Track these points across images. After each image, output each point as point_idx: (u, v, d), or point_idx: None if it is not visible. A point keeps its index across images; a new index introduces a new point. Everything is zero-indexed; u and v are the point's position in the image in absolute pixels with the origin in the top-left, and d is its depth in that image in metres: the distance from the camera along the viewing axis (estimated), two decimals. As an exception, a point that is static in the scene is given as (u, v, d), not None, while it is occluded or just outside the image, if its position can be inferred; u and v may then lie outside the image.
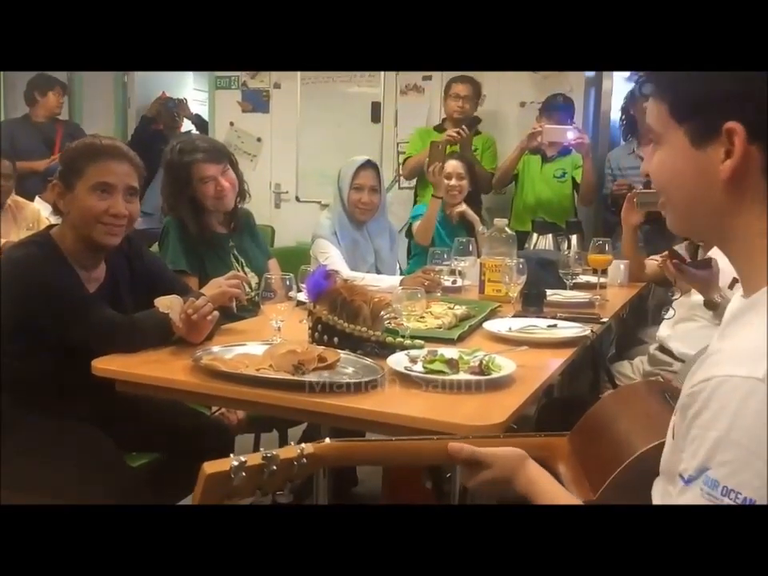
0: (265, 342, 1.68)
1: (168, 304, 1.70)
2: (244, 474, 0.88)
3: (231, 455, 0.89)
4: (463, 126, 3.85)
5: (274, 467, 0.91)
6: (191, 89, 6.54)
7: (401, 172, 4.58)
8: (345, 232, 2.86)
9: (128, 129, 5.72)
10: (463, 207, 3.37)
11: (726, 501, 0.68)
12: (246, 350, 1.65)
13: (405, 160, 4.22)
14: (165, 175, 2.45)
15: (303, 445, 0.96)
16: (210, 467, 0.87)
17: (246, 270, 2.46)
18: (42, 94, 4.52)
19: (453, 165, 3.36)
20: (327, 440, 0.99)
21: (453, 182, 3.33)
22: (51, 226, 1.85)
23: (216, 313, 1.71)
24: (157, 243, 2.45)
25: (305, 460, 0.94)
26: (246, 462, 0.89)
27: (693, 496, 0.71)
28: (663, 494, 0.83)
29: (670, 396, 1.03)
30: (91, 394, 1.69)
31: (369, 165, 2.88)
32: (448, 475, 2.22)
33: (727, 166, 0.76)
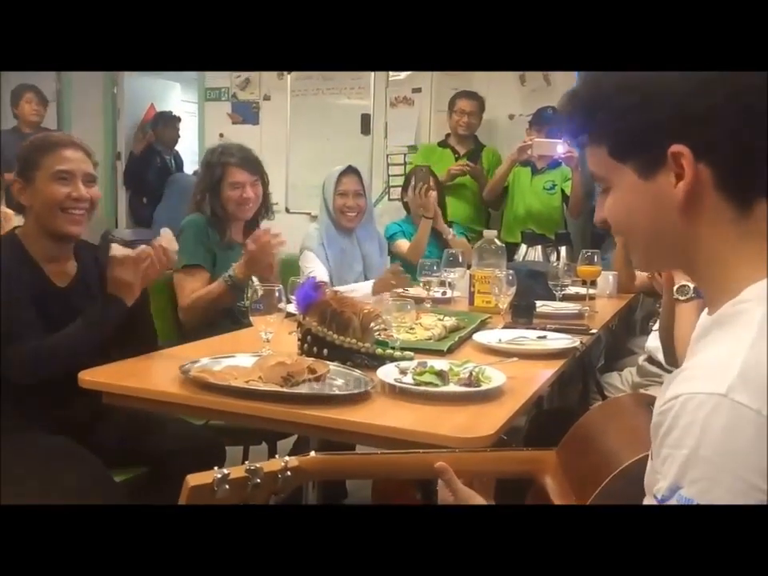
0: (254, 354, 1.67)
1: (118, 250, 1.76)
2: (227, 486, 0.88)
3: (215, 468, 0.89)
4: (468, 162, 3.90)
5: (258, 480, 0.90)
6: (180, 100, 6.56)
7: (391, 184, 4.60)
8: (332, 240, 2.87)
9: (117, 140, 5.72)
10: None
11: None
12: (235, 361, 1.64)
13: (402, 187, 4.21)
14: (200, 174, 2.59)
15: (287, 458, 0.95)
16: (194, 479, 0.87)
17: (254, 279, 2.48)
18: (15, 104, 4.51)
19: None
20: (312, 453, 0.98)
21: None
22: (17, 227, 1.87)
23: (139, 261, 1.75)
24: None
25: (289, 473, 0.93)
26: (229, 474, 0.88)
27: None
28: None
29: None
30: (75, 406, 1.67)
31: (350, 170, 2.92)
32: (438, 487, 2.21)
33: (680, 189, 0.76)
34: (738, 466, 0.67)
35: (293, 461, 0.95)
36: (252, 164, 2.52)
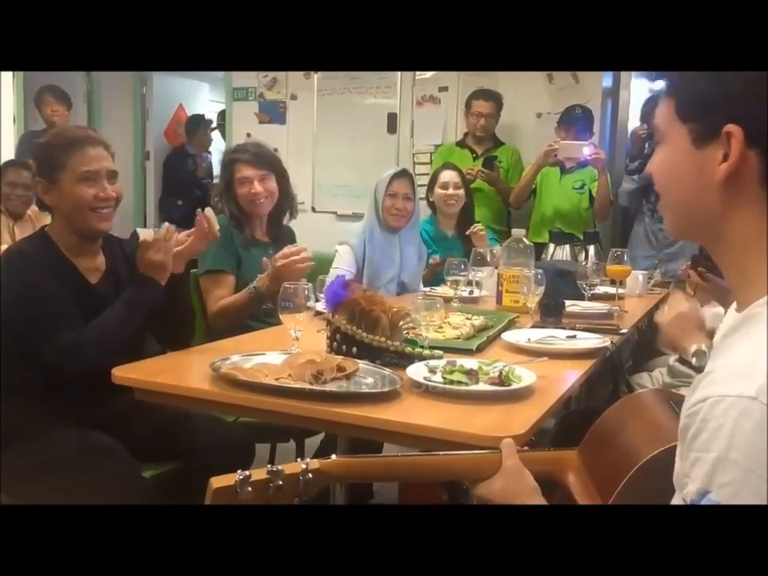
0: (284, 352, 1.68)
1: (146, 236, 1.79)
2: (249, 488, 0.89)
3: (239, 469, 0.90)
4: (482, 169, 3.87)
5: (280, 482, 0.91)
6: (208, 100, 6.61)
7: (417, 183, 4.59)
8: (375, 238, 2.89)
9: (147, 140, 5.79)
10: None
11: None
12: (265, 359, 1.65)
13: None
14: (220, 174, 2.64)
15: (308, 460, 0.96)
16: (218, 481, 0.89)
17: None
18: (39, 107, 4.56)
19: (449, 175, 3.38)
20: (333, 456, 0.99)
21: (450, 190, 3.34)
22: (46, 225, 1.89)
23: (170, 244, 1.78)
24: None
25: (310, 475, 0.94)
26: (250, 476, 0.89)
27: None
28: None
29: (675, 403, 1.02)
30: (109, 401, 1.69)
31: (403, 174, 2.95)
32: (464, 487, 2.20)
33: (723, 168, 0.75)
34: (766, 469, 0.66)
35: (313, 463, 0.95)
36: (262, 159, 2.51)
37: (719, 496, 0.68)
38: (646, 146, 3.67)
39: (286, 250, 2.16)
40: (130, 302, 1.75)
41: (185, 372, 1.62)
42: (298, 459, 0.97)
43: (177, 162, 5.70)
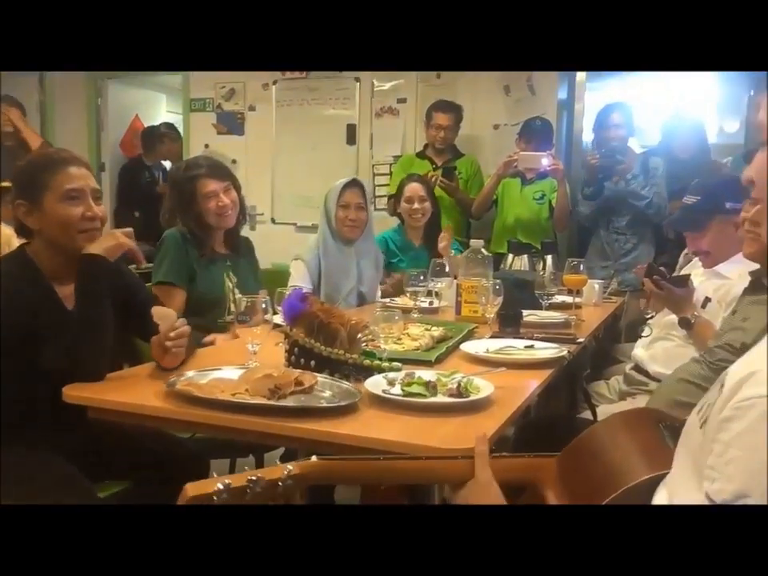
0: (241, 367, 1.66)
1: (163, 315, 1.68)
2: (226, 495, 0.87)
3: (215, 475, 0.89)
4: (442, 179, 3.90)
5: (258, 489, 0.90)
6: (165, 111, 6.53)
7: (377, 194, 4.60)
8: (330, 252, 2.87)
9: (102, 151, 5.70)
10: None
11: None
12: (222, 374, 1.62)
13: (390, 196, 4.16)
14: (170, 191, 2.55)
15: (289, 465, 0.95)
16: (193, 489, 0.86)
17: (236, 290, 2.47)
18: None
19: (414, 188, 3.39)
20: (314, 457, 0.98)
21: (415, 205, 3.36)
22: (25, 244, 1.82)
23: (185, 339, 1.69)
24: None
25: (290, 481, 0.93)
26: (230, 484, 0.88)
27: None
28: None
29: (665, 426, 1.02)
30: (61, 422, 1.65)
31: (354, 183, 2.92)
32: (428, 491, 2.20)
33: None
34: None
35: (294, 468, 0.94)
36: (221, 170, 2.51)
37: (762, 502, 0.63)
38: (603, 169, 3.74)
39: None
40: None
41: (139, 389, 1.59)
42: (278, 461, 0.96)
43: (133, 174, 5.61)
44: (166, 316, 1.68)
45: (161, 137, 5.63)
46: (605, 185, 3.68)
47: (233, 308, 2.42)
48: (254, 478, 0.89)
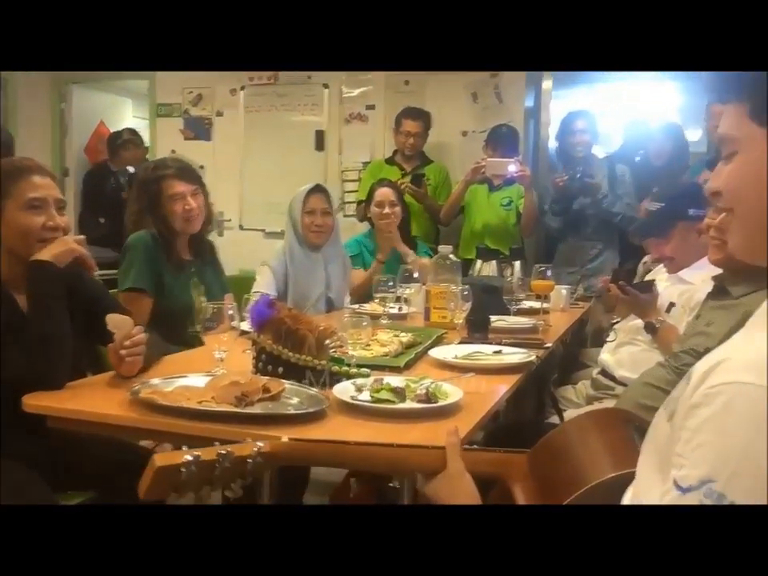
0: (207, 374, 1.64)
1: (119, 323, 1.64)
2: (194, 468, 0.86)
3: (184, 447, 0.88)
4: (410, 186, 3.91)
5: (228, 464, 0.89)
6: (131, 116, 6.45)
7: (346, 200, 4.60)
8: (296, 258, 2.85)
9: (66, 157, 5.60)
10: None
11: None
12: (187, 381, 1.60)
13: (359, 202, 4.17)
14: (136, 191, 2.48)
15: (260, 443, 0.94)
16: (161, 459, 0.85)
17: (203, 298, 2.43)
18: None
19: (384, 192, 3.40)
20: (285, 438, 0.97)
21: (386, 209, 3.36)
22: None
23: (142, 347, 1.65)
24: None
25: (260, 458, 0.92)
26: (200, 456, 0.87)
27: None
28: (633, 499, 0.82)
29: (634, 426, 1.03)
30: (22, 431, 1.61)
31: (318, 189, 2.90)
32: (391, 484, 2.20)
33: None
34: None
35: (265, 446, 0.93)
36: (189, 174, 2.46)
37: (726, 488, 0.64)
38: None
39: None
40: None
41: (102, 397, 1.55)
42: (248, 439, 0.94)
43: (98, 180, 5.52)
44: (122, 324, 1.64)
45: (125, 143, 5.55)
46: (574, 202, 3.72)
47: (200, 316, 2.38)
48: (223, 452, 0.89)
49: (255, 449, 0.92)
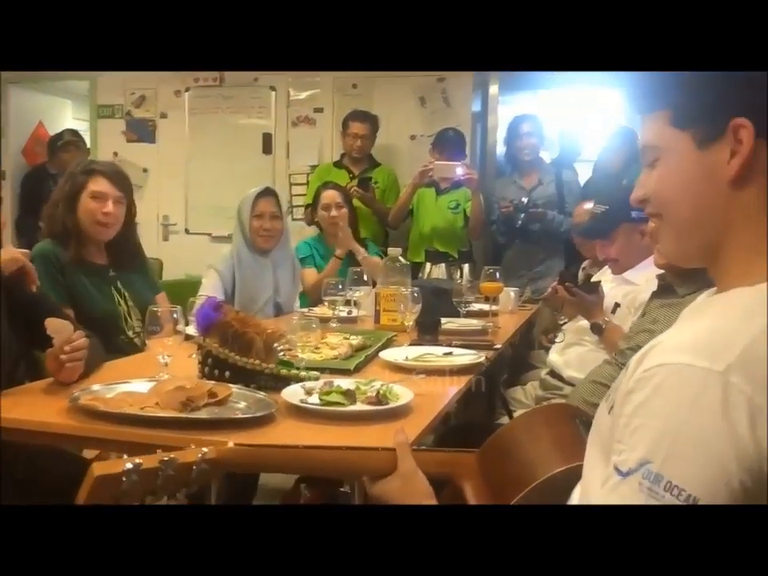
0: (151, 379, 1.59)
1: (58, 328, 1.57)
2: (136, 477, 0.82)
3: (124, 455, 0.83)
4: (357, 189, 3.90)
5: (171, 472, 0.85)
6: (71, 118, 6.27)
7: (294, 204, 4.56)
8: (244, 263, 2.80)
9: (2, 161, 5.41)
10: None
11: (668, 497, 0.65)
12: (130, 387, 1.54)
13: (307, 206, 4.14)
14: (62, 182, 2.35)
15: (205, 449, 0.90)
16: (100, 468, 0.81)
17: (130, 303, 2.34)
18: None
19: (330, 195, 3.38)
20: (231, 443, 0.93)
21: (333, 212, 3.34)
22: None
23: (83, 352, 1.59)
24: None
25: (205, 465, 0.88)
26: (141, 464, 0.83)
27: (629, 490, 0.67)
28: (581, 495, 0.82)
29: (581, 421, 1.03)
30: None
31: (267, 192, 2.86)
32: (342, 489, 2.17)
33: (734, 164, 0.74)
34: (721, 449, 0.64)
35: (211, 451, 0.89)
36: (122, 180, 2.35)
37: (662, 468, 0.65)
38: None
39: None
40: None
41: (39, 405, 1.49)
42: (192, 445, 0.90)
43: (36, 182, 5.34)
44: (62, 328, 1.58)
45: (66, 144, 5.39)
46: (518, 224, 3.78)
47: (130, 321, 2.31)
48: (166, 459, 0.85)
49: (200, 455, 0.88)
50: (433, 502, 0.98)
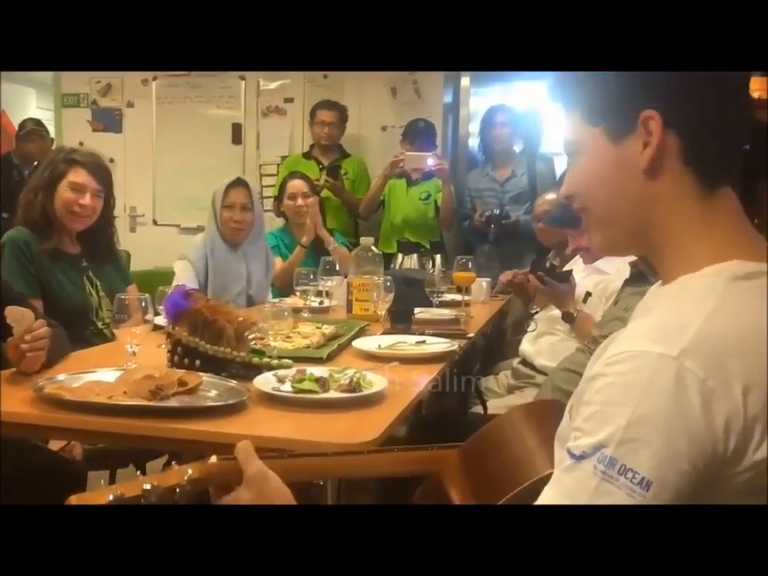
0: (118, 368, 1.55)
1: (18, 316, 1.52)
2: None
3: (102, 481, 0.80)
4: (327, 179, 3.87)
5: (154, 498, 0.82)
6: (34, 107, 6.15)
7: (264, 195, 4.51)
8: (217, 253, 2.76)
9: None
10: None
11: (622, 480, 0.66)
12: (97, 377, 1.51)
13: (275, 198, 4.10)
14: (41, 168, 2.31)
15: (189, 469, 0.86)
16: (79, 501, 0.78)
17: (102, 294, 2.30)
18: None
19: (297, 185, 3.36)
20: (213, 458, 0.89)
21: (299, 201, 3.32)
22: None
23: (44, 341, 1.54)
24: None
25: (188, 487, 0.85)
26: (123, 495, 0.80)
27: (583, 474, 0.68)
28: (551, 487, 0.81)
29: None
30: None
31: (239, 183, 2.82)
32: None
33: (646, 154, 0.76)
34: (674, 433, 0.65)
35: (194, 472, 0.86)
36: (101, 173, 2.31)
37: (616, 452, 0.66)
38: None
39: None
40: None
41: (2, 395, 1.44)
42: (173, 463, 0.87)
43: (0, 173, 5.22)
44: (22, 317, 1.53)
45: (28, 134, 5.26)
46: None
47: (101, 313, 2.26)
48: (148, 486, 0.82)
49: (185, 477, 0.85)
50: (292, 502, 0.89)
